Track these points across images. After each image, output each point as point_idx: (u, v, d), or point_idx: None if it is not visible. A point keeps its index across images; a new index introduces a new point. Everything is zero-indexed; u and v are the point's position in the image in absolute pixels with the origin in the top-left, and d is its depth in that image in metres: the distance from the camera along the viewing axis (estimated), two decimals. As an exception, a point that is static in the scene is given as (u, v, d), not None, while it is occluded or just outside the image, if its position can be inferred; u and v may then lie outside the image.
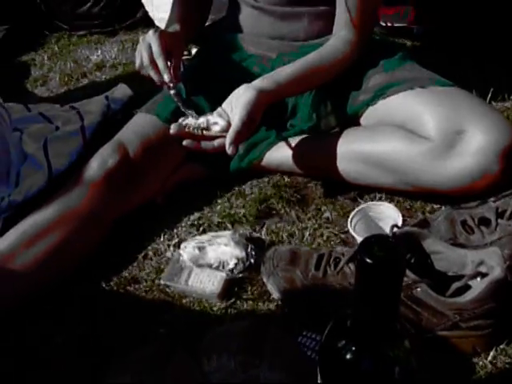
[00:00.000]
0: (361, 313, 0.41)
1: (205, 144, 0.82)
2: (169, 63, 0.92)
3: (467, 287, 0.67)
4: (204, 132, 0.81)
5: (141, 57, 0.93)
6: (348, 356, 0.42)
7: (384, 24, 1.40)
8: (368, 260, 0.37)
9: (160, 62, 0.90)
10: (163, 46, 0.91)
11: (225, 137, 0.80)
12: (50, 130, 1.19)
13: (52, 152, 1.10)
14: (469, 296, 0.65)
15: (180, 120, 0.82)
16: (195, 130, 0.81)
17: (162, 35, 0.92)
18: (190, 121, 0.81)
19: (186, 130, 0.81)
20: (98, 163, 0.90)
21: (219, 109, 0.85)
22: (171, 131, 0.82)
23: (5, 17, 1.76)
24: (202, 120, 0.81)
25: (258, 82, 0.84)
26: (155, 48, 0.90)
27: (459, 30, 1.32)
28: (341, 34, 0.92)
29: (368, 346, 0.42)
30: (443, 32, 1.34)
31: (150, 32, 0.92)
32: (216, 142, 0.82)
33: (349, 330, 0.43)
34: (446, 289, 0.68)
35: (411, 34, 1.40)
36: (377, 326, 0.41)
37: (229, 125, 0.80)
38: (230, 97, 0.85)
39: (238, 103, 0.81)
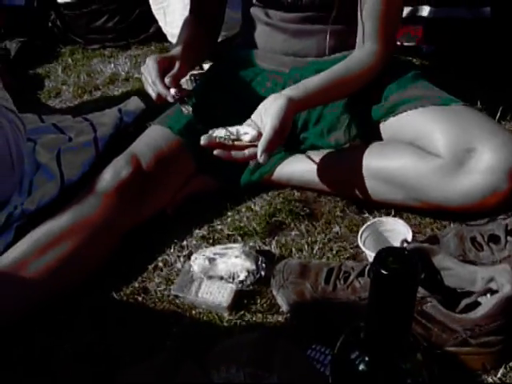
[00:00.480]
0: (374, 324, 0.41)
1: (235, 153, 0.82)
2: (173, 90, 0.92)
3: (477, 304, 0.67)
4: (235, 142, 0.82)
5: (151, 89, 0.93)
6: (361, 367, 0.42)
7: (393, 43, 1.43)
8: (383, 271, 0.38)
9: (158, 87, 0.91)
10: (160, 69, 0.92)
11: (255, 146, 0.80)
12: (63, 140, 1.21)
13: (65, 162, 1.12)
14: (479, 312, 0.65)
15: (210, 131, 0.83)
16: (226, 141, 0.81)
17: (159, 61, 0.93)
18: (220, 132, 0.82)
19: (217, 140, 0.81)
20: (111, 174, 0.91)
21: (249, 120, 0.85)
22: (202, 142, 0.81)
23: (21, 30, 1.80)
24: (232, 130, 0.82)
25: (287, 91, 0.85)
26: (153, 74, 0.92)
27: (468, 49, 1.33)
28: (365, 45, 0.93)
29: (381, 358, 0.42)
30: (452, 51, 1.36)
31: (147, 60, 0.94)
32: (247, 151, 0.81)
33: (362, 341, 0.43)
34: (455, 305, 0.68)
35: (420, 52, 1.42)
36: (390, 338, 0.41)
37: (259, 134, 0.81)
38: (259, 107, 0.85)
39: (268, 112, 0.81)
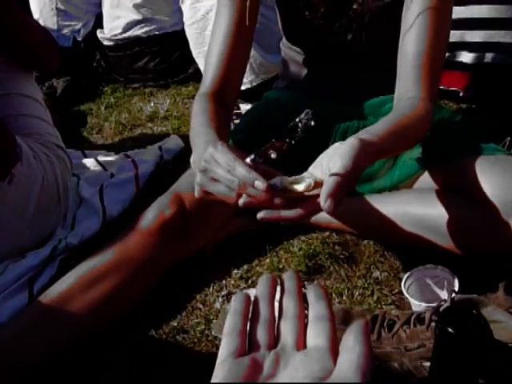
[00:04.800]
0: (438, 382, 0.40)
1: (286, 212, 0.63)
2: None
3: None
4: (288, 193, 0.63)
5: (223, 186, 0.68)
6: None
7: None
8: (450, 330, 0.38)
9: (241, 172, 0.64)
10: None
11: (313, 199, 0.62)
12: (106, 176, 1.25)
13: (107, 198, 1.15)
14: (534, 370, 0.62)
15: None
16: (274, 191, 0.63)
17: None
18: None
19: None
20: (155, 213, 0.92)
21: (305, 173, 0.67)
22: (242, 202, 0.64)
23: (67, 69, 1.89)
24: (275, 181, 0.63)
25: (355, 135, 0.68)
26: (228, 158, 0.66)
27: (507, 96, 1.33)
28: (408, 95, 0.83)
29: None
30: (491, 97, 1.36)
31: (209, 151, 0.69)
32: (304, 206, 0.62)
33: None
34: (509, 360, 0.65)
35: (457, 97, 1.42)
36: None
37: (316, 183, 0.63)
38: (319, 158, 0.68)
39: (336, 153, 0.63)
